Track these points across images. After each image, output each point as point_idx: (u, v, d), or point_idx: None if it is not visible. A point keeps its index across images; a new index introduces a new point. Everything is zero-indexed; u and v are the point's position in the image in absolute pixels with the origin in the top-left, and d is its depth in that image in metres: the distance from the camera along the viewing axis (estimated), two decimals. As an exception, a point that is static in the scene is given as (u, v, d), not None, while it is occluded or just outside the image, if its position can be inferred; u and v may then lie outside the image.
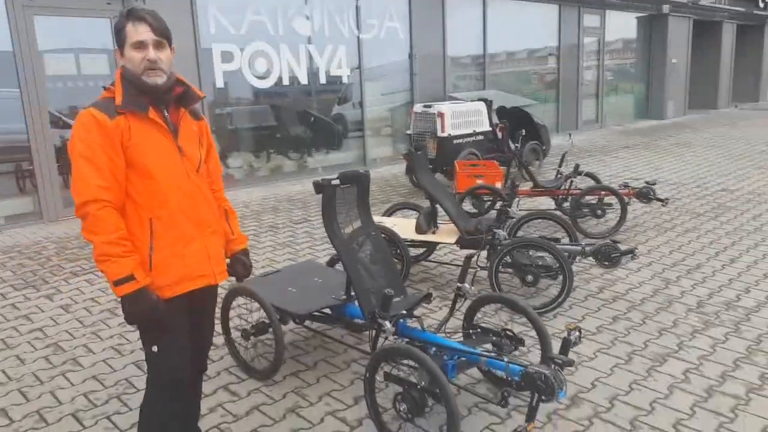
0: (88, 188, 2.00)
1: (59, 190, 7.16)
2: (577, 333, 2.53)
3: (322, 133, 10.16)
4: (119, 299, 2.09)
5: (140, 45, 2.07)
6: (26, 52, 6.78)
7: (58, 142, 7.18)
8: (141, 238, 2.10)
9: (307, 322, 3.49)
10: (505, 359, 2.60)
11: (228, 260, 2.48)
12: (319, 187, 2.97)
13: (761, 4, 20.99)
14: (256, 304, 3.44)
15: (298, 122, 9.87)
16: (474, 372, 3.17)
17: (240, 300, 3.56)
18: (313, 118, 10.00)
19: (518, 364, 2.54)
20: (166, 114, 2.19)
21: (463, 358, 2.80)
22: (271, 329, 3.20)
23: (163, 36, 2.11)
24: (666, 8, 16.53)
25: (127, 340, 3.80)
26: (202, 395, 3.05)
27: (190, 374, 2.33)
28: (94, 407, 3.05)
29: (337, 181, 3.01)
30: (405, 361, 2.63)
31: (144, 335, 2.23)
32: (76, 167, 2.02)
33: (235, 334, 3.50)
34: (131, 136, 2.06)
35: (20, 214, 7.13)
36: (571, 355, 3.27)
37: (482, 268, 4.42)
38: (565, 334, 2.51)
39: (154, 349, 2.20)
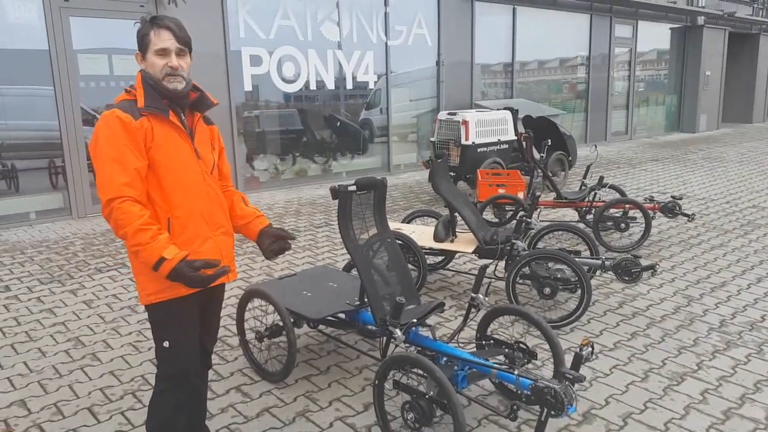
0: (114, 186, 2.05)
1: (88, 187, 7.33)
2: (590, 348, 2.49)
3: (347, 138, 10.22)
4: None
5: (163, 52, 2.14)
6: (61, 51, 6.98)
7: (89, 140, 7.35)
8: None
9: (321, 327, 3.51)
10: (516, 372, 2.58)
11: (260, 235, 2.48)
12: (335, 192, 2.99)
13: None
14: (272, 307, 3.47)
15: (324, 126, 9.95)
16: (486, 383, 3.15)
17: (256, 302, 3.59)
18: (339, 123, 10.07)
19: (528, 378, 2.52)
20: (183, 117, 2.26)
21: (474, 369, 2.78)
22: (284, 332, 3.22)
23: (185, 44, 2.19)
24: (701, 20, 16.26)
25: (145, 337, 3.87)
26: (215, 395, 3.11)
27: (197, 369, 2.39)
28: (110, 402, 3.11)
29: (353, 188, 3.03)
30: (414, 370, 2.63)
31: (157, 331, 2.28)
32: (102, 166, 2.07)
33: (250, 336, 3.53)
34: (154, 137, 2.13)
35: (51, 210, 7.32)
36: (586, 371, 3.25)
37: (499, 279, 4.39)
38: (578, 349, 2.47)
39: (165, 344, 2.25)
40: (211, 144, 2.38)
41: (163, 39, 2.13)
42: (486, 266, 3.06)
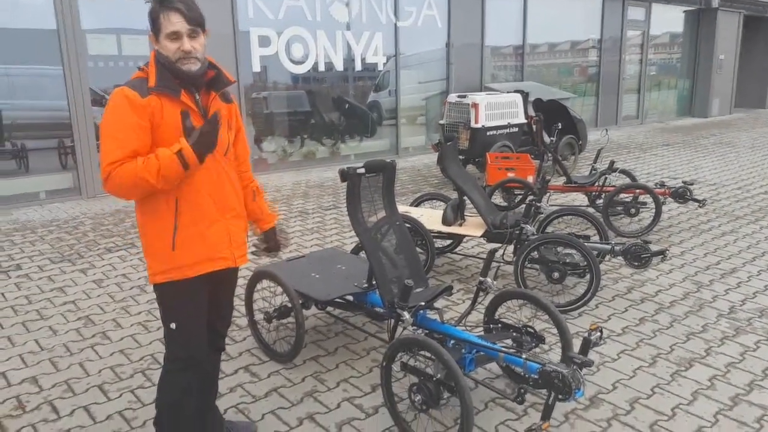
0: (109, 161, 2.03)
1: (98, 167, 7.33)
2: (599, 333, 2.48)
3: (356, 121, 10.17)
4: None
5: (175, 35, 2.08)
6: (70, 31, 6.96)
7: (98, 119, 7.36)
8: (166, 217, 2.14)
9: (330, 308, 3.53)
10: (523, 356, 2.58)
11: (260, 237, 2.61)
12: (344, 175, 2.98)
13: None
14: (280, 288, 3.48)
15: (332, 108, 9.90)
16: (493, 366, 3.15)
17: (264, 283, 3.61)
18: (347, 105, 10.01)
19: (536, 362, 2.52)
20: (197, 97, 2.22)
21: (482, 353, 2.78)
22: (293, 313, 3.24)
23: (197, 24, 2.12)
24: (716, 2, 15.96)
25: (154, 317, 3.90)
26: (223, 375, 3.13)
27: (207, 353, 2.39)
28: (120, 380, 3.15)
29: (362, 170, 3.01)
30: (422, 353, 2.64)
31: (164, 312, 2.29)
32: (103, 143, 2.07)
33: (258, 317, 3.55)
34: (164, 115, 2.10)
35: (61, 190, 7.36)
36: (594, 356, 3.24)
37: (508, 263, 4.38)
38: (586, 334, 2.47)
39: (172, 326, 2.26)
40: (228, 123, 2.33)
41: (173, 22, 2.07)
42: (495, 250, 3.05)
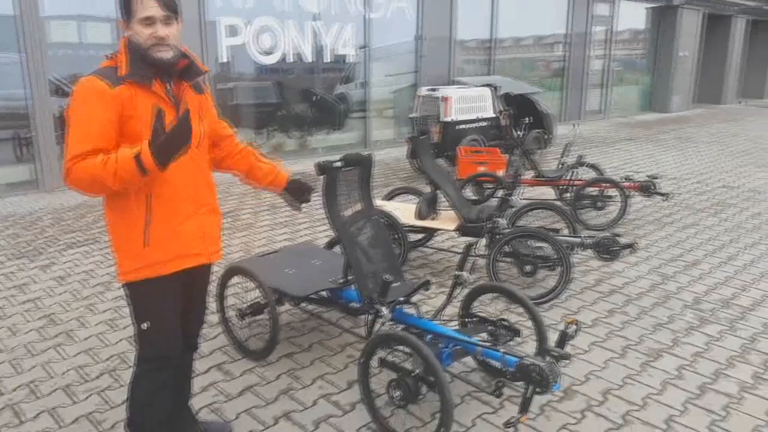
0: (73, 154, 1.93)
1: (57, 159, 7.11)
2: (575, 326, 2.51)
3: (324, 113, 10.08)
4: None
5: (149, 21, 2.00)
6: (28, 17, 6.69)
7: (57, 110, 7.11)
8: (137, 213, 2.06)
9: (303, 304, 3.48)
10: (501, 350, 2.59)
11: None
12: (321, 168, 2.94)
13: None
14: (252, 284, 3.41)
15: (301, 100, 9.78)
16: (468, 360, 3.16)
17: (235, 279, 3.54)
18: (316, 97, 9.91)
19: (514, 356, 2.53)
20: (170, 87, 2.15)
21: (459, 347, 2.78)
22: (266, 310, 3.19)
23: (172, 10, 2.05)
24: (677, 0, 16.34)
25: (121, 315, 3.79)
26: (195, 373, 3.06)
27: (181, 352, 2.33)
28: (87, 381, 3.05)
29: (339, 164, 2.98)
30: (399, 348, 2.62)
31: (136, 311, 2.21)
32: (69, 135, 1.97)
33: (230, 314, 3.48)
34: (135, 106, 2.01)
35: (18, 183, 7.10)
36: (566, 348, 3.27)
37: (480, 256, 4.40)
38: (562, 327, 2.49)
39: (144, 326, 2.19)
40: (199, 114, 2.27)
41: (148, 7, 1.98)
42: (472, 244, 3.05)
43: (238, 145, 2.52)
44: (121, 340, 3.47)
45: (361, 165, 3.13)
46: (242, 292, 3.90)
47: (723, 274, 4.57)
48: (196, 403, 2.83)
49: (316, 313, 3.69)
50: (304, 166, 8.85)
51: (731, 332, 3.62)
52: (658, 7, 16.57)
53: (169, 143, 1.87)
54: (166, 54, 2.06)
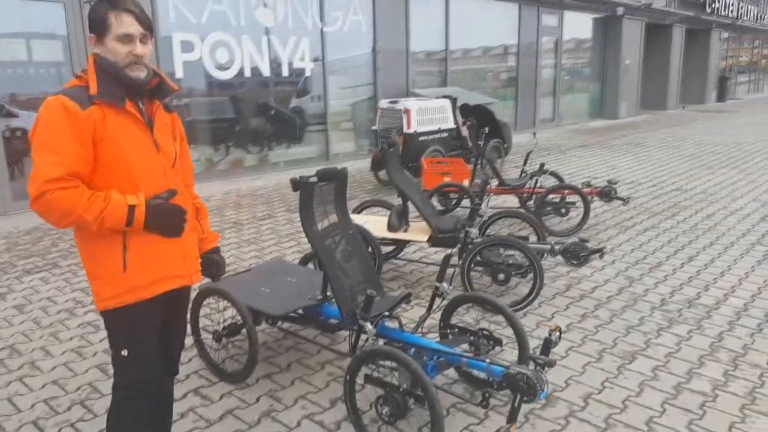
0: (46, 178, 1.83)
1: (8, 182, 6.80)
2: (558, 333, 2.54)
3: (282, 127, 10.00)
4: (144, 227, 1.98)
5: (127, 38, 1.94)
6: (-29, 35, 6.41)
7: (5, 131, 6.81)
8: (113, 238, 1.98)
9: (279, 323, 3.42)
10: (487, 360, 2.60)
11: (200, 259, 2.38)
12: (296, 184, 2.90)
13: (708, 9, 21.84)
14: (223, 304, 3.33)
15: (258, 115, 9.68)
16: (449, 372, 3.16)
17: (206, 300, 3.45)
18: (273, 111, 9.82)
19: (500, 365, 2.54)
20: (141, 106, 2.09)
21: (442, 359, 2.78)
22: (244, 330, 3.11)
23: (149, 28, 2.00)
24: (620, 10, 16.98)
25: (89, 342, 3.64)
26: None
27: (161, 376, 2.26)
28: (56, 414, 2.90)
29: (315, 179, 2.95)
30: (384, 363, 2.60)
31: (114, 338, 2.12)
32: (37, 157, 1.86)
33: (204, 335, 3.39)
34: (106, 127, 1.93)
35: (-36, 207, 6.75)
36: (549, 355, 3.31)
37: (452, 266, 4.42)
38: (546, 334, 2.52)
39: (124, 353, 2.10)
40: (173, 133, 2.21)
41: (126, 24, 1.92)
42: (450, 255, 3.06)
43: (195, 197, 2.40)
44: (90, 368, 3.32)
45: (336, 179, 3.11)
46: (214, 313, 3.80)
47: (685, 275, 4.72)
48: (176, 430, 2.73)
49: (292, 331, 3.63)
50: (265, 181, 8.78)
51: (699, 332, 3.74)
52: (603, 17, 17.17)
53: (165, 213, 1.99)
54: (141, 73, 2.01)
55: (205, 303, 3.40)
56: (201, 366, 3.33)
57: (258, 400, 3.02)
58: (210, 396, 3.06)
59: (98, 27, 1.95)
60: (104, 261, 2.01)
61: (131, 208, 1.90)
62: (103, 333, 3.70)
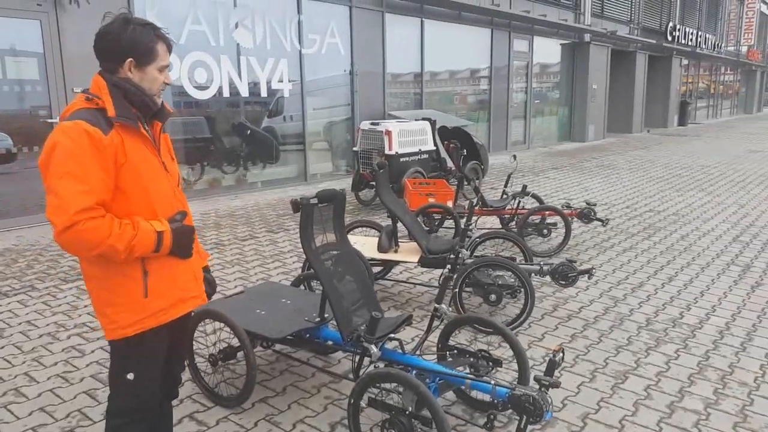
0: (76, 208, 1.77)
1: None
2: (562, 354, 2.57)
3: (258, 147, 9.96)
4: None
5: (164, 69, 2.03)
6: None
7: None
8: (133, 264, 1.94)
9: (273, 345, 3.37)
10: (492, 382, 2.61)
11: None
12: (297, 206, 2.89)
13: (669, 37, 22.71)
14: (212, 326, 3.26)
15: (233, 134, 9.63)
16: (447, 393, 3.15)
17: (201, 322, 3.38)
18: (249, 131, 9.78)
19: (505, 387, 2.55)
20: (147, 128, 2.08)
21: (443, 381, 2.78)
22: (241, 353, 3.06)
23: None
24: (587, 37, 17.53)
25: (74, 366, 3.52)
26: (169, 426, 2.88)
27: (160, 400, 2.23)
28: (46, 443, 2.79)
29: (315, 200, 2.94)
30: (387, 386, 2.59)
31: (123, 362, 2.07)
32: (61, 186, 1.79)
33: (198, 359, 3.32)
34: (126, 152, 1.91)
35: (-69, 228, 6.50)
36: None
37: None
38: (551, 355, 2.54)
39: (130, 376, 2.05)
40: (170, 154, 2.21)
41: (167, 56, 2.02)
42: (450, 277, 3.08)
43: None
44: (78, 394, 3.20)
45: (334, 201, 3.11)
46: (201, 336, 3.73)
47: (667, 295, 4.83)
48: (173, 458, 2.65)
49: (285, 353, 3.58)
50: (243, 201, 8.70)
51: (686, 351, 3.82)
52: (571, 43, 17.68)
53: (183, 236, 2.03)
54: (160, 99, 2.08)
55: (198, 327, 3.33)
56: (194, 390, 3.25)
57: (256, 424, 2.96)
58: (206, 422, 2.98)
59: (144, 54, 1.95)
60: (124, 288, 1.96)
61: (159, 235, 1.91)
62: (90, 358, 3.62)
